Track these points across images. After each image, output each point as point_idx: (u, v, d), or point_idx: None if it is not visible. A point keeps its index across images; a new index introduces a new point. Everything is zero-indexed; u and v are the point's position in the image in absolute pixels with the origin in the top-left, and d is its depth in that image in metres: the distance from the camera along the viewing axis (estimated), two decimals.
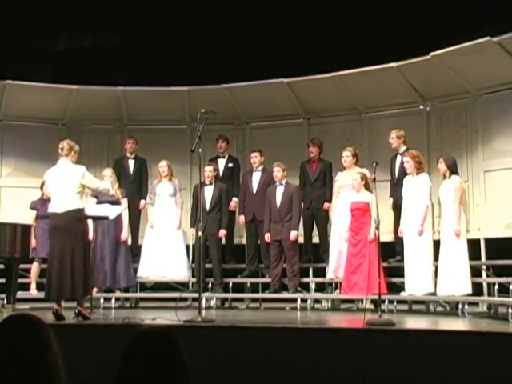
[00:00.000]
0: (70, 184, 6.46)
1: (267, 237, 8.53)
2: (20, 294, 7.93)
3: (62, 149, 6.61)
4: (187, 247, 9.02)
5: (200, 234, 6.98)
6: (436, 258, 7.54)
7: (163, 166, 8.98)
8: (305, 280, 8.57)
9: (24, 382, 1.91)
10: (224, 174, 9.23)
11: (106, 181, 7.85)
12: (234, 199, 9.14)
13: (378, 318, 5.86)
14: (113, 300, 8.45)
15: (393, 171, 8.38)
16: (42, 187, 8.74)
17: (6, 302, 7.42)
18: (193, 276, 8.67)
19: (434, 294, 7.48)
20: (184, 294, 8.23)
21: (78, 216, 6.49)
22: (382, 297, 6.76)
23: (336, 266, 8.25)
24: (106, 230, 8.43)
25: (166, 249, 8.82)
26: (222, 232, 8.77)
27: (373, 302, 7.49)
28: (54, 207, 6.51)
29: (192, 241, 8.77)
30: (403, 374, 4.83)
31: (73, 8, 10.51)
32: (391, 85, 8.79)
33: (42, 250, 8.49)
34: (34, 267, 8.62)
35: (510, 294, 6.89)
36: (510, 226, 7.88)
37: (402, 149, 8.23)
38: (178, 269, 8.84)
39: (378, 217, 6.46)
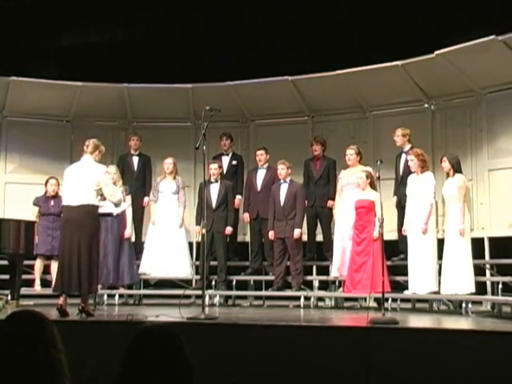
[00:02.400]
0: (90, 180, 6.48)
1: (271, 234, 8.53)
2: (24, 291, 7.93)
3: (88, 146, 6.65)
4: (190, 245, 9.02)
5: (204, 231, 6.98)
6: (440, 257, 7.53)
7: (169, 162, 8.98)
8: (308, 278, 8.56)
9: (27, 379, 1.91)
10: (228, 171, 9.22)
11: (121, 194, 7.24)
12: (238, 197, 9.13)
13: (381, 317, 5.86)
14: (116, 297, 8.47)
15: (397, 169, 8.36)
16: (46, 184, 8.76)
17: (9, 298, 7.43)
18: (196, 273, 8.68)
19: (437, 292, 7.47)
20: (187, 292, 8.23)
21: (91, 211, 6.50)
22: (386, 295, 6.76)
23: (340, 264, 8.24)
24: (109, 227, 8.43)
25: (167, 246, 8.82)
26: (229, 229, 8.77)
27: (376, 300, 7.48)
28: (69, 200, 6.52)
29: (197, 238, 8.77)
30: (406, 373, 4.82)
31: (78, 4, 10.52)
32: (396, 83, 8.77)
33: (43, 246, 8.52)
34: (38, 263, 8.64)
35: None
36: None
37: (407, 147, 8.21)
38: (179, 266, 8.84)
39: (382, 215, 6.45)
